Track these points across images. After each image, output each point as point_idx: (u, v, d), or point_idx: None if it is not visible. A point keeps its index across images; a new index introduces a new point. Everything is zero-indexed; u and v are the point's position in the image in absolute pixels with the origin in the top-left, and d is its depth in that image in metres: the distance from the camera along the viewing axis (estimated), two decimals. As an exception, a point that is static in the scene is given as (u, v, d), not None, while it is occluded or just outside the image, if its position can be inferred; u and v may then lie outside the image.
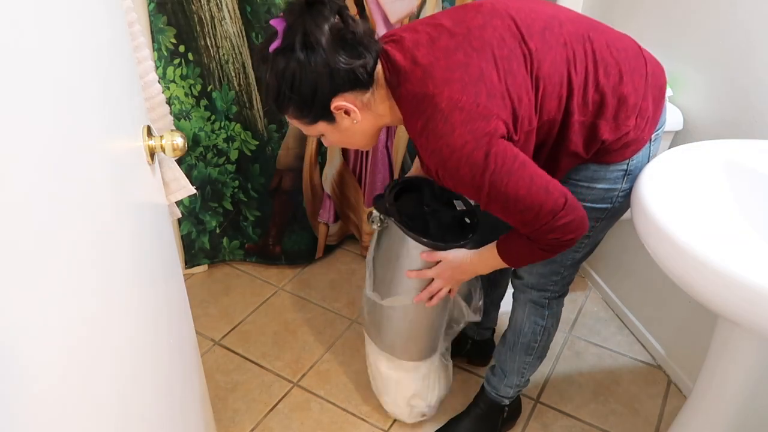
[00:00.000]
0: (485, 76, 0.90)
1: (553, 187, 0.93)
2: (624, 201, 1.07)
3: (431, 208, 1.22)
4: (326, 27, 0.88)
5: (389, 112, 1.00)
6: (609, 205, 1.07)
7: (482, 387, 1.43)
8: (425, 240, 1.14)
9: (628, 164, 1.03)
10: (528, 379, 1.39)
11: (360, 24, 0.92)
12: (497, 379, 1.38)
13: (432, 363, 1.39)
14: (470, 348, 1.62)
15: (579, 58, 0.95)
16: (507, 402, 1.41)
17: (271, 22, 0.91)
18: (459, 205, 1.26)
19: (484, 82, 0.90)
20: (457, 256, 1.14)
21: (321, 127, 1.00)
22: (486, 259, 1.10)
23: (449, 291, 1.20)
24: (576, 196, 1.04)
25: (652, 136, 1.04)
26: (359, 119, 0.98)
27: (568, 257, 1.16)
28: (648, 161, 1.05)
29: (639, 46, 1.03)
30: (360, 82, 0.94)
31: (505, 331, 1.35)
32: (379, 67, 0.96)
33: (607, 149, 1.01)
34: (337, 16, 0.90)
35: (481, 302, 1.33)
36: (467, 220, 1.25)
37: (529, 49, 0.93)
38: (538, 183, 0.92)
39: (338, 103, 0.95)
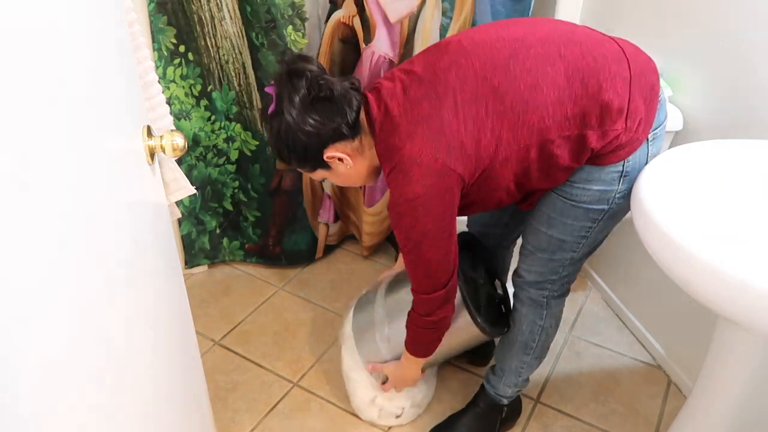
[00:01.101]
0: (445, 126, 0.98)
1: (453, 268, 1.10)
2: (622, 202, 1.07)
3: (475, 278, 1.32)
4: (297, 99, 1.00)
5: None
6: (606, 206, 1.07)
7: (482, 386, 1.44)
8: (487, 330, 1.27)
9: (623, 165, 1.03)
10: (527, 379, 1.39)
11: (337, 83, 1.04)
12: (497, 378, 1.39)
13: None
14: (470, 348, 1.63)
15: (549, 79, 0.97)
16: (506, 402, 1.41)
17: (266, 89, 1.06)
18: (498, 287, 1.39)
19: (444, 133, 0.98)
20: (390, 368, 1.35)
21: (321, 173, 1.13)
22: (408, 362, 1.29)
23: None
24: (571, 196, 1.08)
25: (649, 135, 1.04)
26: (352, 164, 1.09)
27: (567, 256, 1.16)
28: (646, 161, 1.05)
29: (622, 49, 1.02)
30: (344, 135, 1.05)
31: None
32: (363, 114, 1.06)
33: (599, 155, 1.02)
34: (320, 79, 1.00)
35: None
36: (503, 308, 1.39)
37: (492, 86, 0.98)
38: (450, 259, 1.08)
39: (330, 153, 1.07)
